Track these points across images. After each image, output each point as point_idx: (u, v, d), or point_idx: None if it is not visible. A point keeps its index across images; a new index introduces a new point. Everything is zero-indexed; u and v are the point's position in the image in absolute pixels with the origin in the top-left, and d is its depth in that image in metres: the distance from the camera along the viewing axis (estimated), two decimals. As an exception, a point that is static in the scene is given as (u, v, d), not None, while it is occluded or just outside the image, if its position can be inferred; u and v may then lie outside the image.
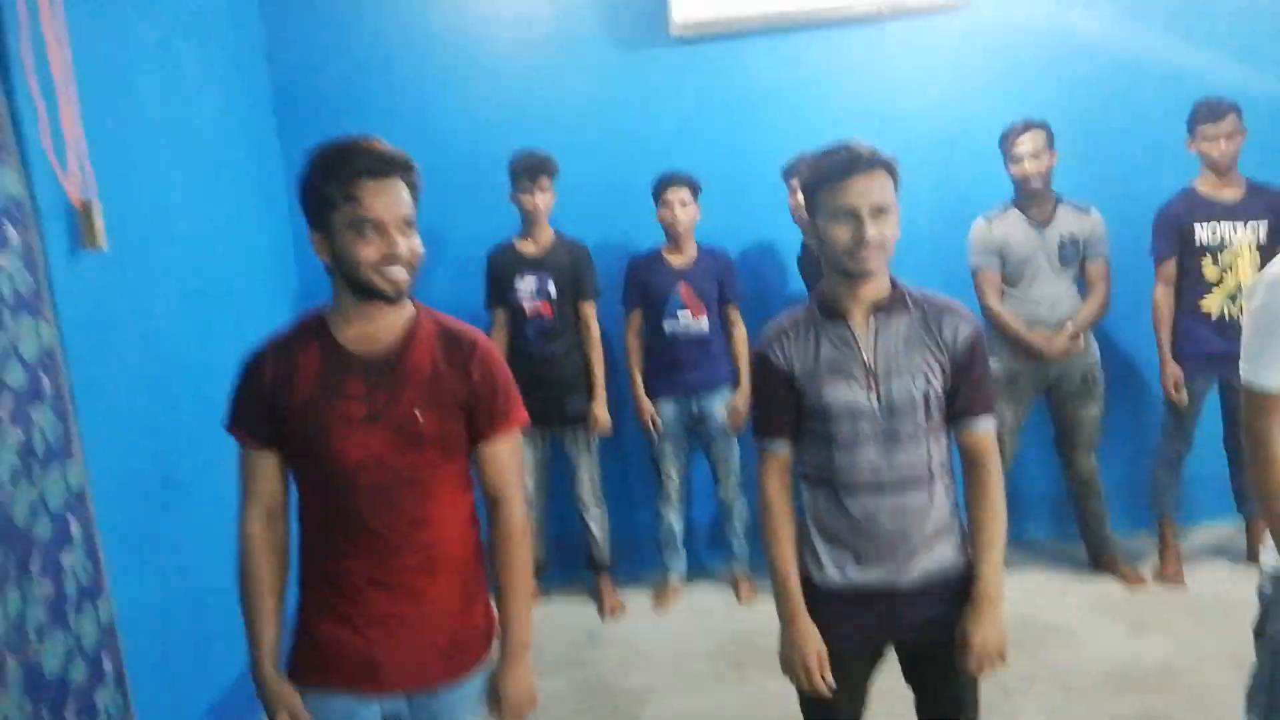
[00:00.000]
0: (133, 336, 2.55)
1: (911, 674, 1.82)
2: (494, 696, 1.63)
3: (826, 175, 1.63)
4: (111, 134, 2.47)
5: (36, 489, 2.03)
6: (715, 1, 3.56)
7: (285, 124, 3.73)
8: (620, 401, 3.63)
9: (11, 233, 2.06)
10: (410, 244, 1.50)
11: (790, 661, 1.74)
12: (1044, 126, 3.33)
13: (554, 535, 3.75)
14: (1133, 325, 3.61)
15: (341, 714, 1.60)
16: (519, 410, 1.64)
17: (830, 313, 1.71)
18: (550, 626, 3.44)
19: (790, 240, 3.69)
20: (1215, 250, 3.28)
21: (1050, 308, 3.37)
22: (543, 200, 3.45)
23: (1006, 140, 3.37)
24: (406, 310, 1.59)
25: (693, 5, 3.56)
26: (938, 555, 1.71)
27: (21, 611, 1.92)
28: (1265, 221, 3.25)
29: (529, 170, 3.40)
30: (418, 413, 1.53)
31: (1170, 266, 3.37)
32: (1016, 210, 3.41)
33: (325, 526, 1.58)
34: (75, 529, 2.14)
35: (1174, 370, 3.35)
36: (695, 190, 3.50)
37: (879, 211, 1.62)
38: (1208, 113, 3.24)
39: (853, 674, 1.77)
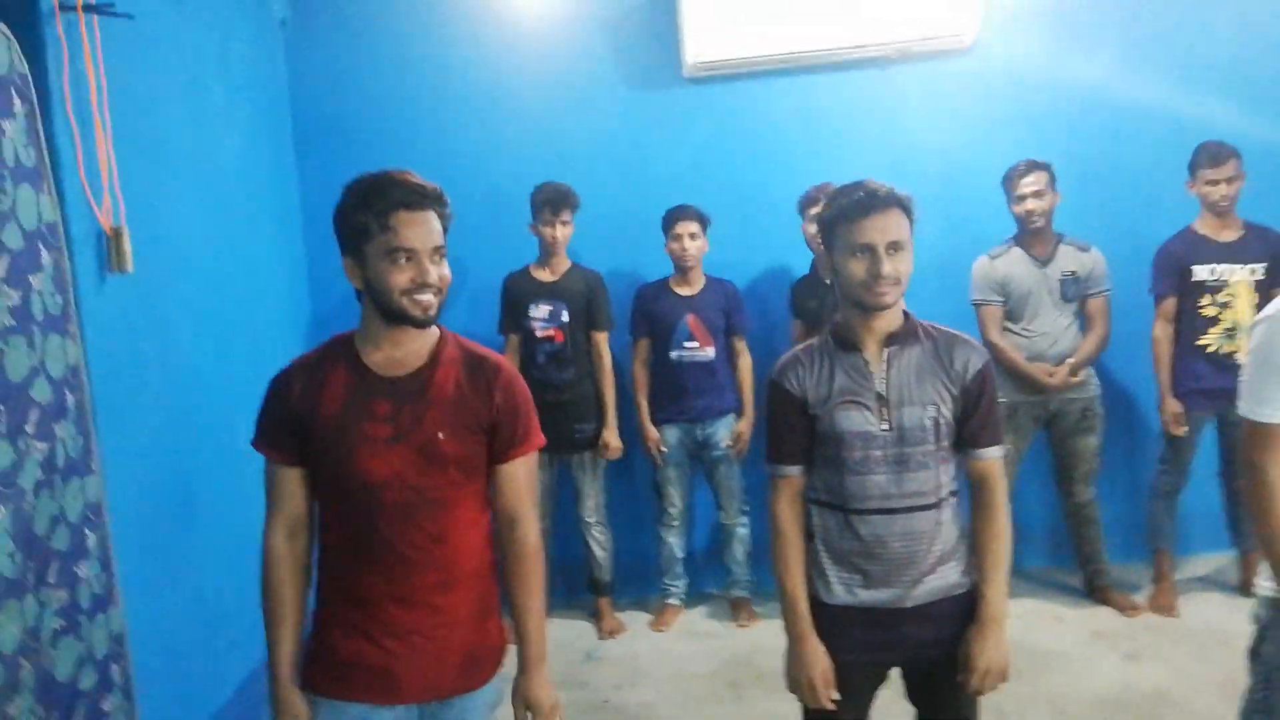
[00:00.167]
0: (154, 357, 2.61)
1: (914, 693, 1.87)
2: (521, 704, 1.68)
3: (845, 212, 1.71)
4: (141, 164, 2.55)
5: (57, 502, 2.07)
6: (727, 43, 3.67)
7: (305, 159, 3.83)
8: (626, 427, 3.69)
9: (45, 256, 2.12)
10: (440, 272, 1.56)
11: (797, 679, 1.79)
12: (1046, 167, 3.42)
13: (556, 557, 3.79)
14: (1132, 361, 3.69)
15: None
16: (537, 434, 1.70)
17: (845, 344, 1.78)
18: (550, 646, 3.42)
19: (799, 273, 3.77)
20: (1214, 289, 3.36)
21: (1051, 343, 3.45)
22: (562, 232, 3.53)
23: (1010, 180, 3.46)
24: (432, 334, 1.65)
25: (705, 46, 3.67)
26: (943, 577, 1.76)
27: (38, 618, 1.96)
28: (1263, 263, 3.33)
29: (551, 203, 3.48)
30: (441, 434, 1.58)
31: (1170, 304, 3.44)
32: (1019, 248, 3.50)
33: (346, 542, 1.62)
34: (91, 541, 2.18)
35: (1173, 405, 3.42)
36: (704, 224, 3.58)
37: (894, 248, 1.69)
38: (1209, 157, 3.32)
39: (857, 692, 1.82)
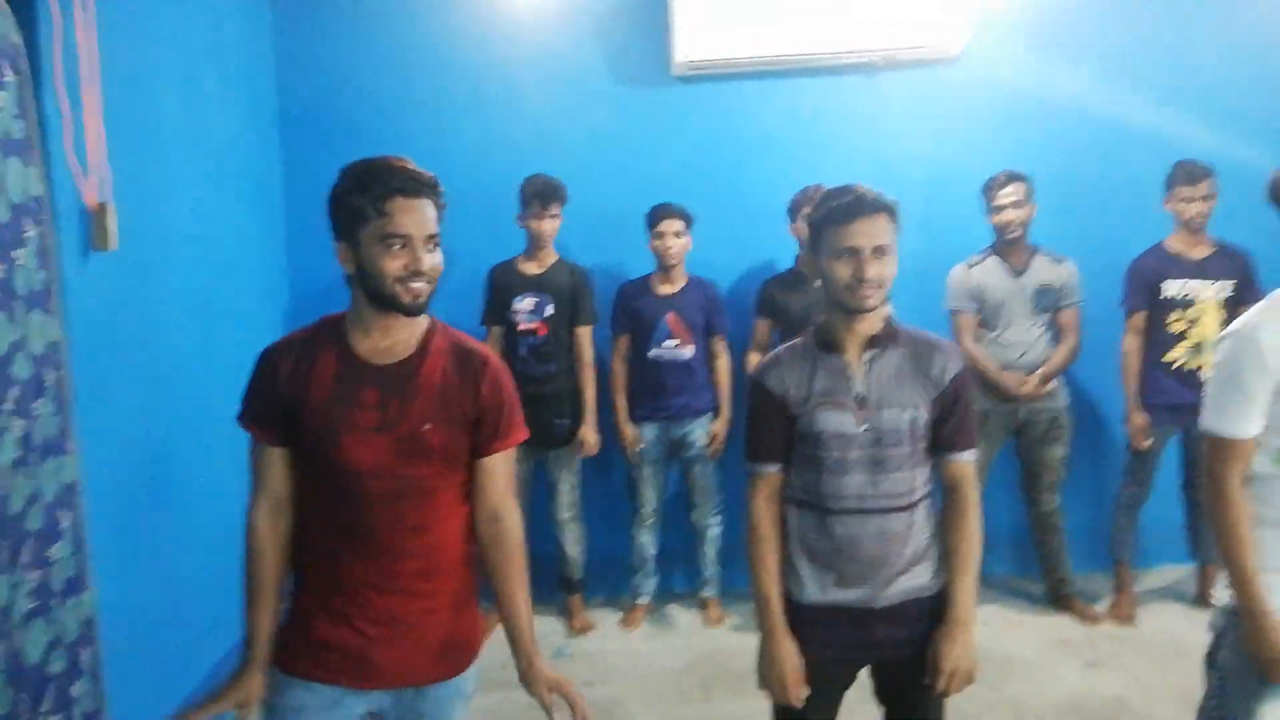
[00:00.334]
0: (135, 337, 2.60)
1: (882, 693, 1.91)
2: (544, 687, 1.67)
3: (832, 216, 1.74)
4: (129, 142, 2.54)
5: (33, 481, 2.06)
6: (716, 44, 3.71)
7: (289, 144, 3.82)
8: (604, 424, 3.70)
9: (30, 230, 2.10)
10: (433, 260, 1.56)
11: (768, 676, 1.83)
12: (1025, 179, 3.48)
13: (528, 553, 3.80)
14: (1100, 373, 3.76)
15: (326, 703, 1.62)
16: (520, 428, 1.71)
17: (827, 345, 1.82)
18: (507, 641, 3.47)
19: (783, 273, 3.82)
20: (1183, 305, 3.43)
21: (1023, 352, 3.51)
22: (550, 225, 3.54)
23: (989, 190, 3.52)
24: (421, 324, 1.65)
25: (694, 47, 3.70)
26: (914, 578, 1.80)
27: (10, 599, 1.95)
28: (1231, 281, 3.41)
29: (540, 196, 3.49)
30: (427, 425, 1.59)
31: (1140, 319, 3.51)
32: (995, 257, 3.56)
33: (328, 527, 1.62)
34: (65, 522, 2.16)
35: (1141, 419, 3.49)
36: (688, 222, 3.60)
37: (880, 252, 1.73)
38: (1185, 175, 3.39)
39: (826, 691, 1.85)
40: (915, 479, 1.79)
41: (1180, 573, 3.83)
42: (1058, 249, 3.59)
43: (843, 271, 1.73)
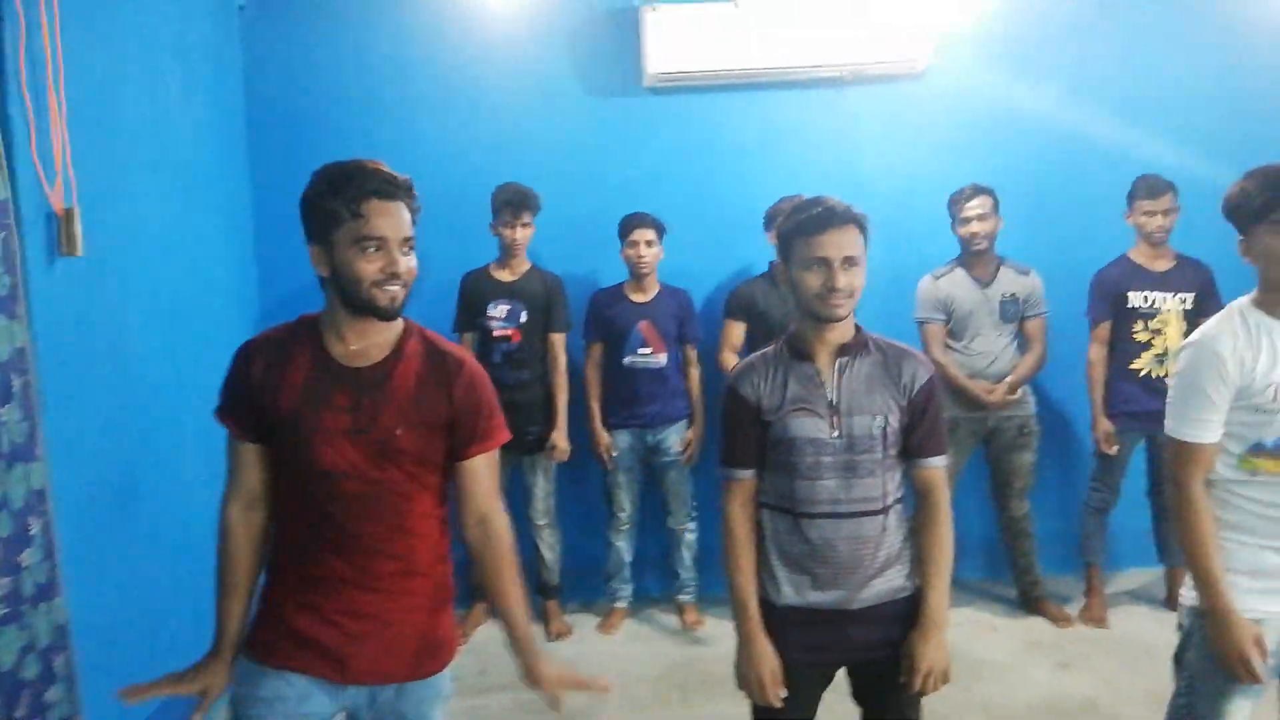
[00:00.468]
0: (102, 343, 2.57)
1: (859, 694, 1.93)
2: (555, 683, 1.68)
3: (803, 227, 1.77)
4: (95, 146, 2.51)
5: (2, 487, 2.04)
6: (688, 56, 3.74)
7: (257, 148, 3.79)
8: (579, 431, 3.71)
9: (-5, 235, 2.08)
10: (409, 263, 1.56)
11: (746, 677, 1.84)
12: (990, 192, 3.54)
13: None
14: (1067, 381, 3.82)
15: (299, 694, 1.61)
16: (501, 430, 1.71)
17: (799, 353, 1.84)
18: (495, 647, 3.43)
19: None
20: (1147, 316, 3.50)
21: (991, 361, 3.57)
22: (522, 234, 3.54)
23: (955, 203, 3.57)
24: (396, 326, 1.64)
25: (666, 58, 3.73)
26: (888, 581, 1.82)
27: (-19, 607, 1.93)
28: (1192, 293, 3.48)
29: (511, 204, 3.50)
30: (399, 430, 1.58)
31: (1105, 328, 3.58)
32: (962, 269, 3.61)
33: (304, 526, 1.62)
34: (35, 529, 2.14)
35: (1106, 425, 3.55)
36: (660, 231, 3.62)
37: (849, 263, 1.76)
38: (1147, 189, 3.47)
39: (804, 692, 1.87)
40: (887, 484, 1.82)
41: (1149, 576, 3.90)
42: (1023, 260, 3.66)
43: (813, 281, 1.76)
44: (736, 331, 3.66)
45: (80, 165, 2.39)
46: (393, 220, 1.53)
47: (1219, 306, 1.96)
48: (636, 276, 3.65)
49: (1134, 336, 3.52)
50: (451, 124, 3.87)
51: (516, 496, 3.71)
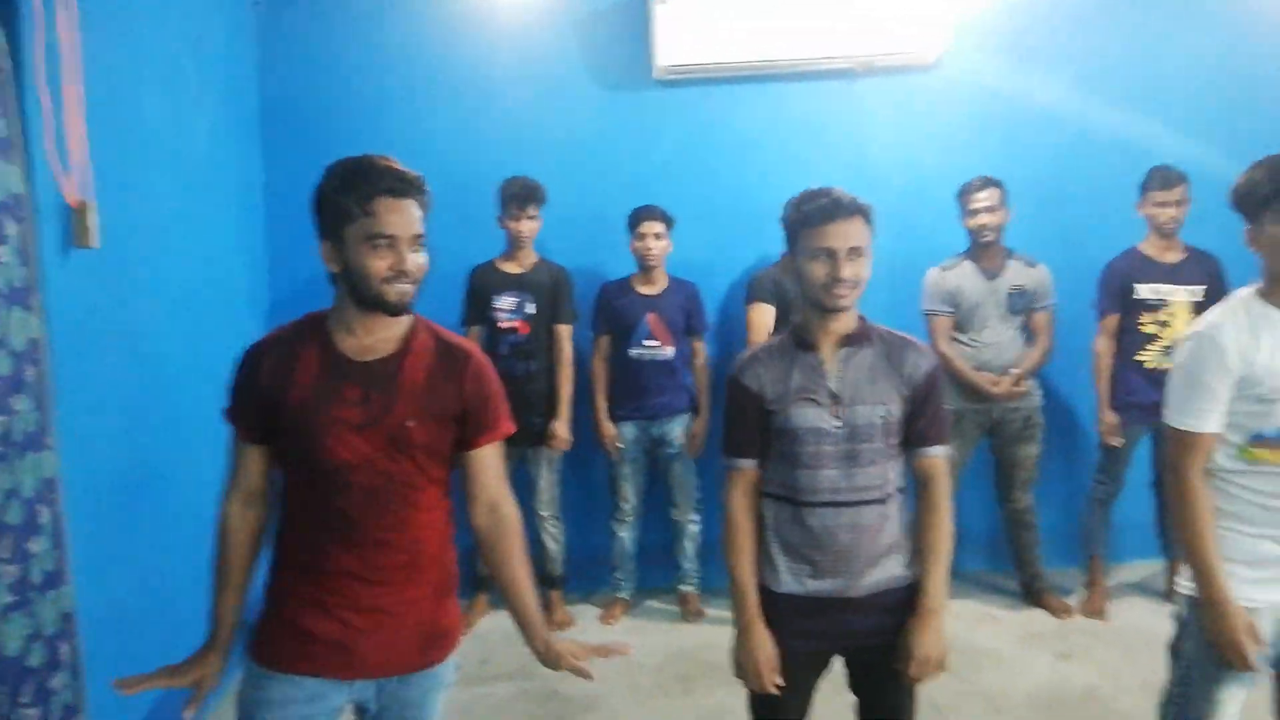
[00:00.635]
0: (115, 335, 2.60)
1: (856, 681, 1.95)
2: (569, 657, 1.69)
3: (809, 218, 1.79)
4: (110, 139, 2.54)
5: (13, 476, 2.07)
6: (697, 48, 3.75)
7: (270, 142, 3.82)
8: (584, 422, 3.74)
9: (10, 227, 2.11)
10: (419, 260, 1.58)
11: (743, 665, 1.86)
12: (999, 184, 3.54)
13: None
14: (1073, 374, 3.83)
15: (308, 695, 1.63)
16: (508, 420, 1.74)
17: (803, 343, 1.86)
18: (499, 637, 3.50)
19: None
20: (1155, 308, 3.50)
21: (997, 353, 3.58)
22: (529, 227, 3.56)
23: (964, 195, 3.58)
24: (405, 320, 1.66)
25: (676, 51, 3.74)
26: (887, 569, 1.85)
27: (-11, 593, 1.96)
28: (1202, 285, 3.47)
29: (519, 198, 3.52)
30: (410, 422, 1.60)
31: (1112, 320, 3.58)
32: (969, 261, 3.62)
33: (311, 521, 1.64)
34: (45, 517, 2.17)
35: (1112, 417, 3.55)
36: (669, 224, 3.64)
37: (855, 253, 1.77)
38: (1160, 181, 3.46)
39: (801, 680, 1.89)
40: (888, 473, 1.84)
41: (1151, 568, 3.91)
42: (1031, 253, 3.66)
43: (819, 272, 1.78)
44: (768, 315, 3.60)
45: (96, 158, 2.42)
46: (403, 218, 1.54)
47: None
48: (645, 269, 3.67)
49: (1141, 329, 3.52)
50: (462, 117, 3.89)
51: (521, 488, 3.74)
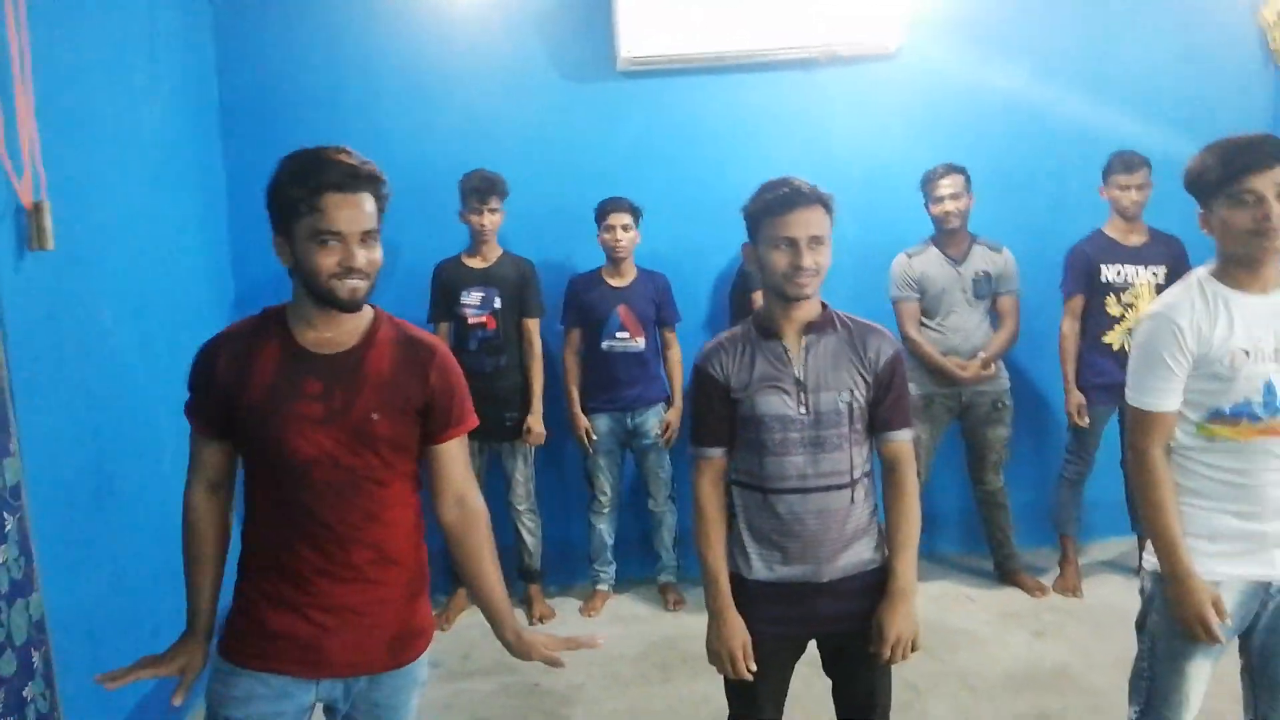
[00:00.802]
0: (74, 336, 2.56)
1: (830, 665, 1.96)
2: (541, 649, 1.68)
3: (770, 207, 1.79)
4: (64, 138, 2.49)
5: (-25, 484, 2.04)
6: (660, 39, 3.74)
7: (231, 137, 3.77)
8: (557, 416, 3.73)
9: (-37, 230, 2.08)
10: (370, 255, 1.54)
11: (717, 652, 1.87)
12: (963, 170, 3.57)
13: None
14: (1040, 356, 3.87)
15: (275, 693, 1.62)
16: (472, 414, 1.72)
17: (766, 332, 1.87)
18: (478, 632, 3.47)
19: (727, 265, 3.87)
20: (1119, 289, 3.55)
21: (964, 338, 3.61)
22: (491, 220, 3.54)
23: (928, 182, 3.61)
24: (366, 314, 1.64)
25: (639, 42, 3.73)
26: (856, 554, 1.86)
27: (-43, 603, 1.93)
28: (1164, 266, 3.53)
29: (479, 191, 3.50)
30: (374, 415, 1.58)
31: (1078, 302, 3.62)
32: (935, 247, 3.65)
33: (276, 517, 1.62)
34: (10, 525, 2.13)
35: (1077, 397, 3.60)
36: (636, 215, 3.63)
37: (815, 242, 1.78)
38: (1122, 164, 3.51)
39: (775, 665, 1.91)
40: (854, 458, 1.85)
41: (1123, 545, 3.97)
42: (995, 238, 3.69)
43: (780, 260, 1.79)
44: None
45: (49, 158, 2.37)
46: (352, 213, 1.51)
47: None
48: (613, 261, 3.67)
49: (1106, 310, 3.57)
50: (424, 111, 3.86)
51: (496, 482, 3.74)
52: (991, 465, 3.71)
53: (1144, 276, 3.54)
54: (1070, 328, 3.64)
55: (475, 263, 3.60)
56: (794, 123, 3.94)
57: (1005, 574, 3.79)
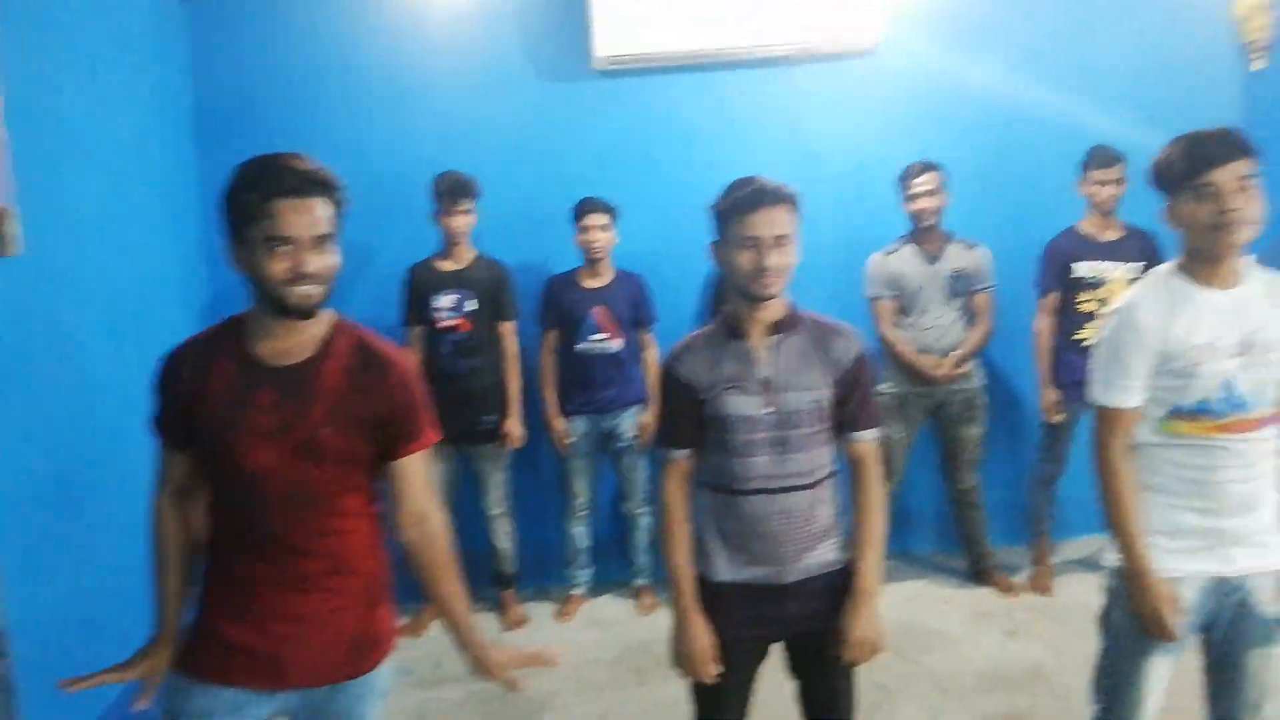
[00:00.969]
0: (42, 342, 2.55)
1: (795, 666, 1.96)
2: (500, 667, 1.70)
3: (735, 207, 1.79)
4: (33, 143, 2.48)
5: (-62, 492, 2.02)
6: (636, 38, 3.74)
7: (205, 140, 3.75)
8: (533, 418, 3.72)
9: (-75, 234, 2.06)
10: (323, 261, 1.51)
11: (680, 654, 1.87)
12: (937, 168, 3.58)
13: (459, 549, 3.79)
14: (1014, 354, 3.88)
15: (229, 706, 1.60)
16: (433, 429, 1.69)
17: (733, 332, 1.87)
18: (449, 640, 3.47)
19: (705, 265, 3.87)
20: (1094, 286, 3.56)
21: (939, 336, 3.62)
22: (463, 221, 3.52)
23: (904, 180, 3.61)
24: (324, 323, 1.62)
25: (615, 40, 3.73)
26: (821, 554, 1.86)
27: (-82, 614, 1.91)
28: (1139, 263, 3.52)
29: (450, 192, 3.48)
30: (325, 429, 1.56)
31: (1052, 299, 3.63)
32: (911, 245, 3.65)
33: (232, 529, 1.61)
34: (-25, 534, 2.13)
35: (1053, 394, 3.61)
36: (613, 215, 3.63)
37: (780, 241, 1.78)
38: (1099, 160, 3.52)
39: (741, 667, 1.90)
40: (820, 458, 1.85)
41: (1096, 543, 3.91)
42: (971, 235, 3.70)
43: (745, 260, 1.78)
44: None
45: (17, 163, 2.36)
46: (304, 218, 1.49)
47: None
48: (590, 262, 3.66)
49: (1080, 307, 3.57)
50: (399, 112, 3.85)
51: (470, 487, 3.72)
52: (965, 464, 3.73)
53: (1118, 273, 3.55)
54: (1044, 325, 3.65)
55: (448, 265, 3.58)
56: (772, 121, 3.95)
57: (979, 573, 3.80)
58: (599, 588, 3.93)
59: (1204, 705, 1.94)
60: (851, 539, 1.90)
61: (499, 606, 3.76)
